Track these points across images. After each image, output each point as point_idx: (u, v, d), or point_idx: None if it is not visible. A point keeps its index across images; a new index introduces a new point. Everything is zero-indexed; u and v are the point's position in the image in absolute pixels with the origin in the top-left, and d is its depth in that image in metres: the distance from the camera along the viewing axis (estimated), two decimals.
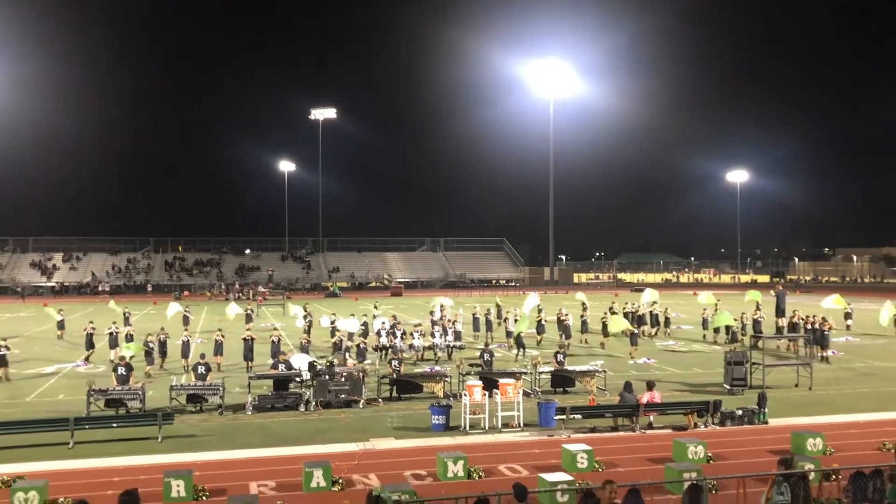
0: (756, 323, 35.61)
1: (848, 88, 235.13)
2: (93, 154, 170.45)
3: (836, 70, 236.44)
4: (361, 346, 28.97)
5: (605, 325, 34.40)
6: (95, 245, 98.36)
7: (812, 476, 12.39)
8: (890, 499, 10.83)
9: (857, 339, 37.49)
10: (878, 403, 22.28)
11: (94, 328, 32.73)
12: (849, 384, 25.55)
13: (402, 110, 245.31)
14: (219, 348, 29.02)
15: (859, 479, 11.96)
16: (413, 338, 31.56)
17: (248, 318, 42.49)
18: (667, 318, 40.16)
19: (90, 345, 32.07)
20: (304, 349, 27.68)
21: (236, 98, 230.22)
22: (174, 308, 40.15)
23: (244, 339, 29.56)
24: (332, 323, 34.82)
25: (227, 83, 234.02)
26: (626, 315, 38.73)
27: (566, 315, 35.10)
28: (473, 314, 39.54)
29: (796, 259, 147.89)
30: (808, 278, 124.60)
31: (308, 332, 35.52)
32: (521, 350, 31.75)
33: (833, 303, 39.17)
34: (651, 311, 40.83)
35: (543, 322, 36.47)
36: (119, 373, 22.18)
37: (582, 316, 38.56)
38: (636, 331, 33.40)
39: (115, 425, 18.40)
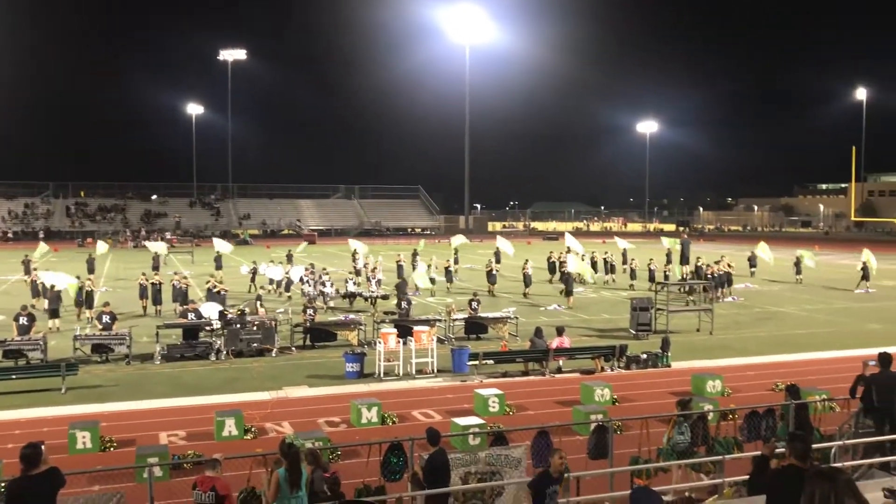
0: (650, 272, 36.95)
1: (751, 44, 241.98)
2: None
3: (740, 26, 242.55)
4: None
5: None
6: None
7: (711, 416, 13.01)
8: (780, 434, 11.48)
9: (756, 286, 39.23)
10: (772, 347, 23.47)
11: None
12: (747, 328, 26.80)
13: (315, 54, 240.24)
14: (143, 292, 29.08)
15: (753, 417, 12.62)
16: (325, 286, 31.42)
17: (155, 266, 41.34)
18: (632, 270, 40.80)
19: None
20: (216, 298, 27.15)
21: (142, 37, 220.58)
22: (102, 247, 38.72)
23: (151, 284, 29.00)
24: (252, 271, 34.63)
25: (133, 21, 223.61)
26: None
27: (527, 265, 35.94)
28: (398, 262, 39.52)
29: (701, 208, 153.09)
30: (711, 227, 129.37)
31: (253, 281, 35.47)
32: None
33: (760, 251, 41.16)
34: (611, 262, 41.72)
35: (494, 272, 36.82)
36: (20, 322, 21.35)
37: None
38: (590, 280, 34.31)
39: (14, 377, 17.73)
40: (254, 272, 37.26)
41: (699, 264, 36.66)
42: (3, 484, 8.52)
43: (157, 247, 40.68)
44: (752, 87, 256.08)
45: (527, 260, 37.68)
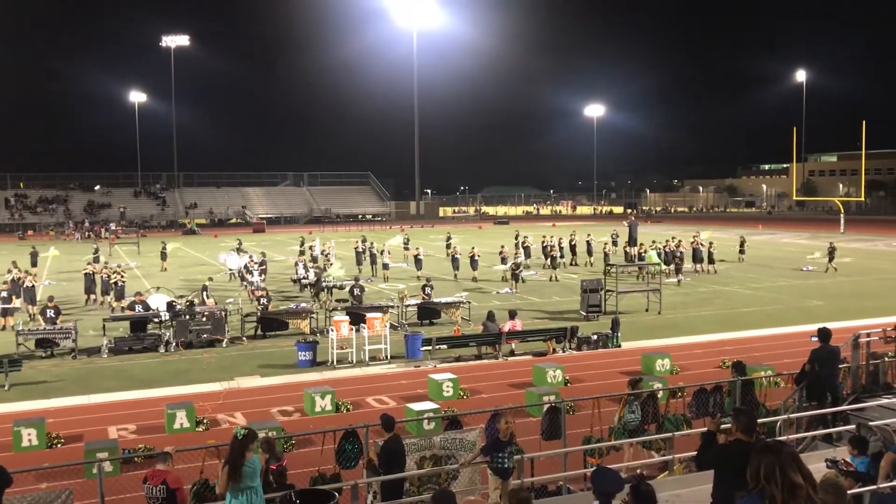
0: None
1: (695, 28, 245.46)
2: None
3: (684, 9, 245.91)
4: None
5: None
6: None
7: (660, 394, 13.25)
8: (727, 410, 11.75)
9: (700, 265, 39.88)
10: (718, 325, 23.98)
11: None
12: (694, 308, 27.33)
13: (260, 39, 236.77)
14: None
15: (701, 394, 12.91)
16: (252, 275, 31.23)
17: (96, 258, 40.38)
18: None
19: None
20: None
21: (81, 23, 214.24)
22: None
23: (85, 275, 28.73)
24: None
25: (72, 6, 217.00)
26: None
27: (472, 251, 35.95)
28: (355, 248, 39.32)
29: (648, 191, 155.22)
30: (658, 209, 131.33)
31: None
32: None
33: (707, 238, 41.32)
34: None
35: (458, 256, 36.84)
36: None
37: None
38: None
39: None
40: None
41: (663, 244, 37.54)
42: None
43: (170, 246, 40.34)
44: (697, 69, 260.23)
45: (473, 246, 37.75)
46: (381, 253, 37.41)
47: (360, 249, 38.95)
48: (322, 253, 40.02)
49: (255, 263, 33.03)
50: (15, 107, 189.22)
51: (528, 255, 39.77)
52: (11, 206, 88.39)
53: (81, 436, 13.87)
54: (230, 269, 35.50)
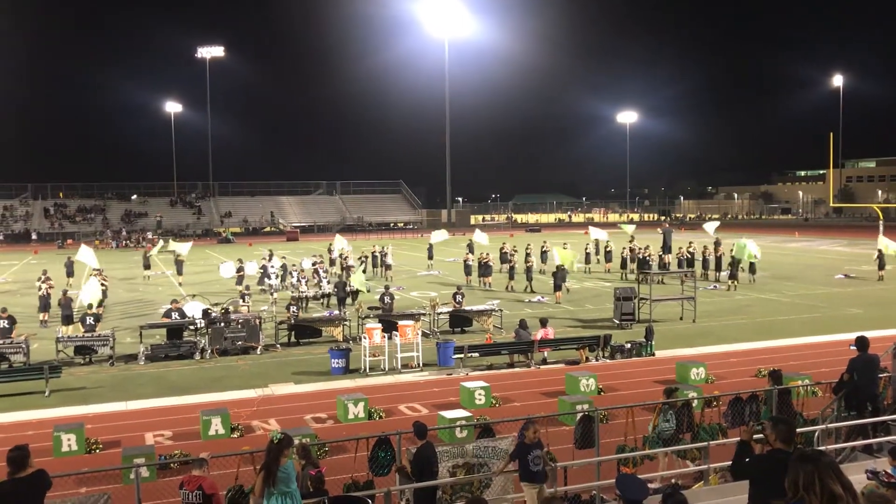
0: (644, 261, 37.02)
1: (729, 32, 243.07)
2: None
3: (719, 13, 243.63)
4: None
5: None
6: None
7: (695, 403, 13.11)
8: (763, 419, 11.59)
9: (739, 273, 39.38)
10: (754, 333, 23.66)
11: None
12: (728, 316, 27.00)
13: (294, 49, 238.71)
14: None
15: (737, 403, 12.74)
16: (271, 279, 31.85)
17: (146, 265, 41.18)
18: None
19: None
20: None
21: (119, 35, 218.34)
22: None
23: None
24: (239, 270, 34.47)
25: (109, 19, 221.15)
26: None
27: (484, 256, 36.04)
28: (372, 252, 39.67)
29: (682, 197, 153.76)
30: (692, 216, 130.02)
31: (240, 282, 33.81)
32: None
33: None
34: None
35: (470, 263, 36.96)
36: (0, 326, 21.14)
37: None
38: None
39: None
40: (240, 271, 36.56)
41: (691, 249, 37.50)
42: None
43: (180, 247, 40.16)
44: (731, 74, 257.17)
45: (487, 252, 37.55)
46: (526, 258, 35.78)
47: (372, 255, 39.90)
48: (341, 256, 40.08)
49: (273, 267, 34.00)
50: (55, 118, 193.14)
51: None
52: (51, 215, 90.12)
53: (119, 441, 14.07)
54: (227, 277, 35.46)
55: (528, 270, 33.97)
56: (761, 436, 6.95)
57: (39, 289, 27.53)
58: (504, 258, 39.07)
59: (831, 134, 54.20)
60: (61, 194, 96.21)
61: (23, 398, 17.17)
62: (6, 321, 21.29)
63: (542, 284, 34.20)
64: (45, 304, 27.03)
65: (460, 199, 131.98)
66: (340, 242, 42.28)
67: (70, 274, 37.04)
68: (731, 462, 8.13)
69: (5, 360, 19.57)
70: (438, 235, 45.95)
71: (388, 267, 39.31)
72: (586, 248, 42.11)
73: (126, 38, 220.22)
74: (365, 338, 20.02)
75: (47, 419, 15.46)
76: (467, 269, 36.94)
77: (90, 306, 23.52)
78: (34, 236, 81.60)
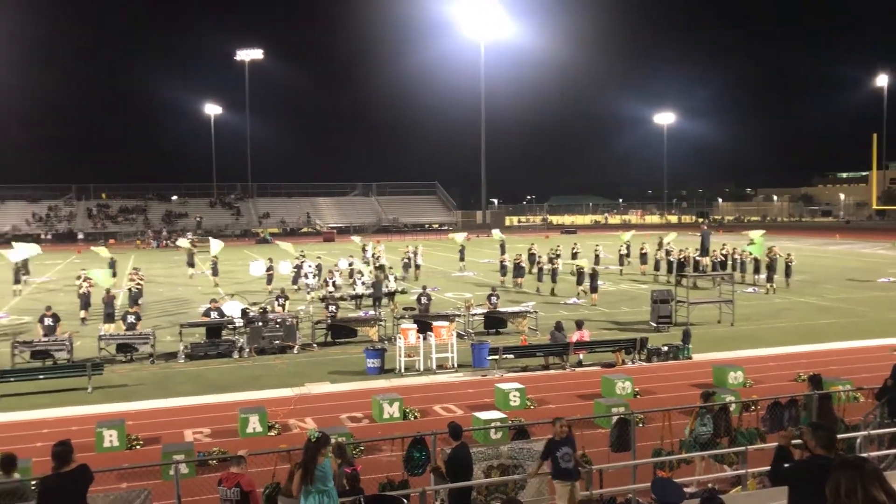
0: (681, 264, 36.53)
1: (769, 32, 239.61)
2: (8, 97, 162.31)
3: (760, 14, 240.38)
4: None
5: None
6: (12, 193, 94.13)
7: (733, 407, 12.95)
8: (802, 424, 11.42)
9: (775, 275, 38.79)
10: (793, 337, 23.32)
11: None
12: (767, 319, 26.62)
13: (331, 52, 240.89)
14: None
15: (776, 408, 12.56)
16: (307, 278, 32.88)
17: (191, 263, 41.89)
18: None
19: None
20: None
21: (160, 39, 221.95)
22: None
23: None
24: (269, 270, 34.94)
25: (150, 23, 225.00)
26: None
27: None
28: (405, 253, 39.89)
29: (720, 199, 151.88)
30: (730, 218, 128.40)
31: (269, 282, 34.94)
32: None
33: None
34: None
35: (506, 264, 36.93)
36: (45, 323, 21.61)
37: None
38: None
39: (41, 377, 18.00)
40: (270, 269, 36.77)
41: (724, 251, 37.26)
42: (33, 481, 8.66)
43: (212, 245, 40.74)
44: (769, 75, 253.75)
45: (519, 254, 37.34)
46: (549, 260, 35.59)
47: (409, 257, 39.91)
48: (373, 256, 40.28)
49: (312, 267, 34.79)
50: (98, 120, 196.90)
51: (597, 262, 39.06)
52: (94, 215, 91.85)
53: (159, 438, 14.31)
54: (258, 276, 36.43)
55: (554, 273, 33.78)
56: (799, 441, 6.86)
57: (80, 287, 28.06)
58: (532, 260, 39.05)
59: (875, 135, 53.13)
60: (104, 195, 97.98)
61: (66, 394, 17.53)
62: (51, 319, 21.75)
63: (568, 286, 33.75)
64: (85, 303, 27.53)
65: (495, 200, 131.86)
66: (370, 246, 43.06)
67: (113, 274, 37.58)
68: (769, 467, 8.04)
69: (50, 357, 20.01)
70: (457, 236, 46.13)
71: (417, 267, 39.47)
72: (619, 251, 41.84)
73: (168, 42, 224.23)
74: (400, 338, 20.11)
75: (90, 415, 15.76)
76: (503, 270, 37.01)
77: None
78: (80, 236, 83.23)
